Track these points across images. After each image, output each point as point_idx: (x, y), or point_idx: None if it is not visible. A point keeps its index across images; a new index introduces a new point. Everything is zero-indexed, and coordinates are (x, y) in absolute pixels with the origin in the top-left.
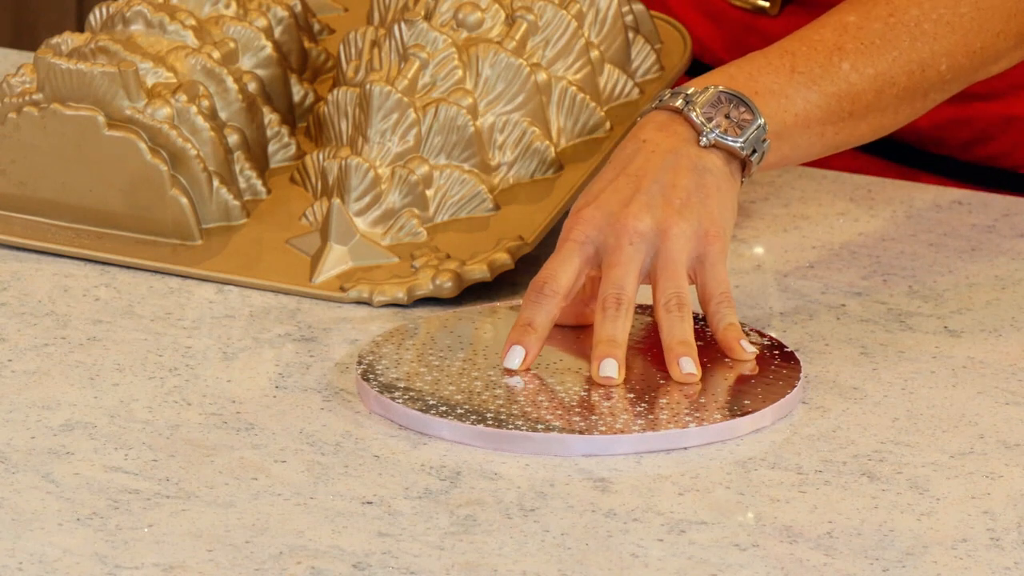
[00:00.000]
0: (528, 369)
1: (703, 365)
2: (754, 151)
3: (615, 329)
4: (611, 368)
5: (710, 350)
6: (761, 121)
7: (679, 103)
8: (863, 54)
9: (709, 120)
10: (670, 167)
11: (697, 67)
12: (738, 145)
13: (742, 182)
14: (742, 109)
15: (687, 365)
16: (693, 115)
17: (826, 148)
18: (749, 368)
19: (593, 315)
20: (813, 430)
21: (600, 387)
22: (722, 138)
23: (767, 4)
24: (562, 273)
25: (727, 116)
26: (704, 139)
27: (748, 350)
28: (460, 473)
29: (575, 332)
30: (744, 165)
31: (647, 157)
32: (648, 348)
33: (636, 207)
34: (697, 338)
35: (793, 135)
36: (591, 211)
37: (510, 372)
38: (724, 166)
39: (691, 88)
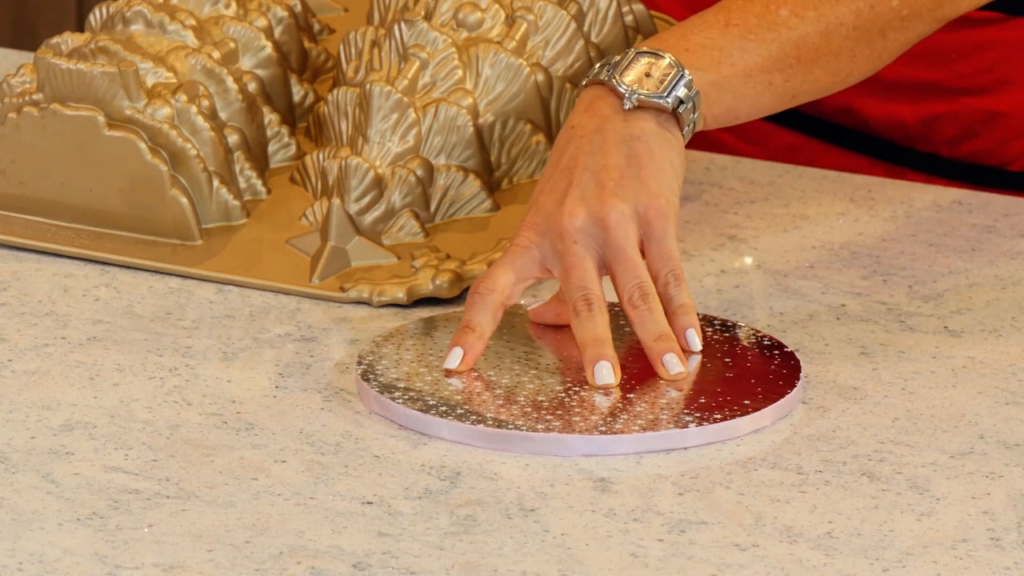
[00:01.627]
0: (472, 370)
1: (702, 364)
2: (681, 103)
3: (595, 328)
4: (606, 372)
5: (708, 349)
6: (684, 72)
7: (603, 75)
8: None
9: (630, 83)
10: (598, 147)
11: None
12: (662, 101)
13: (683, 135)
14: (664, 66)
15: (672, 365)
16: (614, 82)
17: (780, 97)
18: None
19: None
20: (813, 430)
21: (599, 387)
22: (645, 96)
23: None
24: (500, 272)
25: (647, 75)
26: (627, 102)
27: (692, 343)
28: (460, 473)
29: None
30: (678, 120)
31: (576, 143)
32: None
33: (570, 203)
34: None
35: (734, 85)
36: (532, 215)
37: (450, 373)
38: (655, 127)
39: (615, 57)
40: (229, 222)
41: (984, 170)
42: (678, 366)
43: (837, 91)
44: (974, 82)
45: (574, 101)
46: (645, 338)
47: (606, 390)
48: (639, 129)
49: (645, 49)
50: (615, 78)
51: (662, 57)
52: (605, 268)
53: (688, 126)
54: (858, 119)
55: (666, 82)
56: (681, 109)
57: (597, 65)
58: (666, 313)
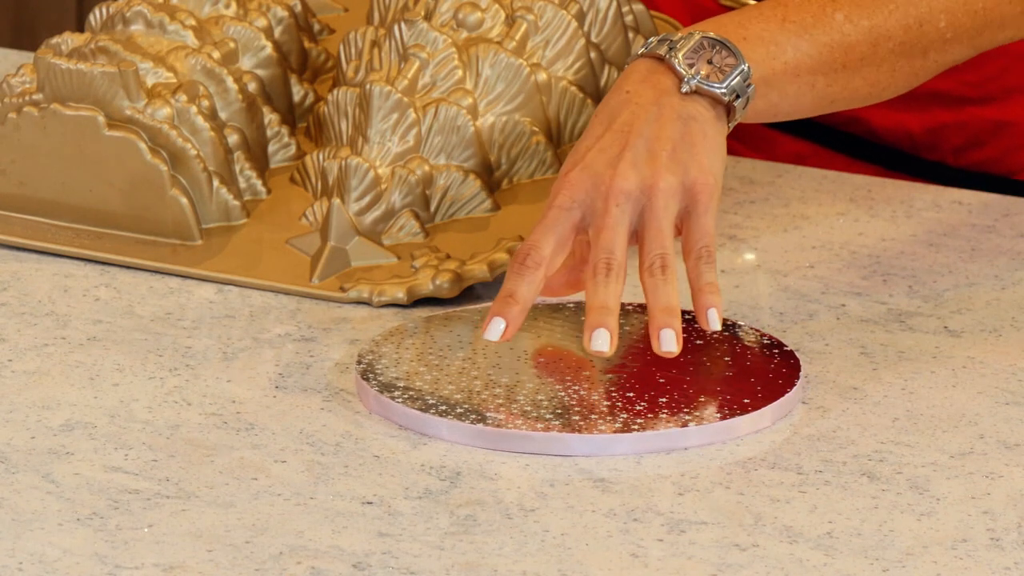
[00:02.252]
0: (472, 369)
1: (701, 364)
2: (737, 96)
3: (607, 295)
4: (603, 341)
5: (708, 349)
6: (744, 66)
7: (663, 51)
8: (858, 6)
9: (691, 66)
10: (654, 118)
11: None
12: (720, 91)
13: (729, 127)
14: (724, 54)
15: (667, 340)
16: (675, 62)
17: (819, 100)
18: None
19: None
20: (813, 430)
21: (600, 387)
22: (704, 84)
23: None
24: (545, 243)
25: (709, 62)
26: (686, 86)
27: (712, 322)
28: (460, 473)
29: (574, 331)
30: (729, 111)
31: (632, 110)
32: (648, 348)
33: (623, 166)
34: (697, 337)
35: (782, 83)
36: (577, 173)
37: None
38: (709, 112)
39: (677, 35)
40: (229, 222)
41: (991, 179)
42: (672, 344)
43: (870, 104)
44: (981, 91)
45: (573, 97)
46: (653, 306)
47: (607, 388)
48: (696, 111)
49: (708, 34)
50: (676, 58)
51: (724, 45)
52: (636, 236)
53: (734, 121)
54: (865, 127)
55: (726, 72)
56: (736, 102)
57: (654, 39)
58: (692, 290)
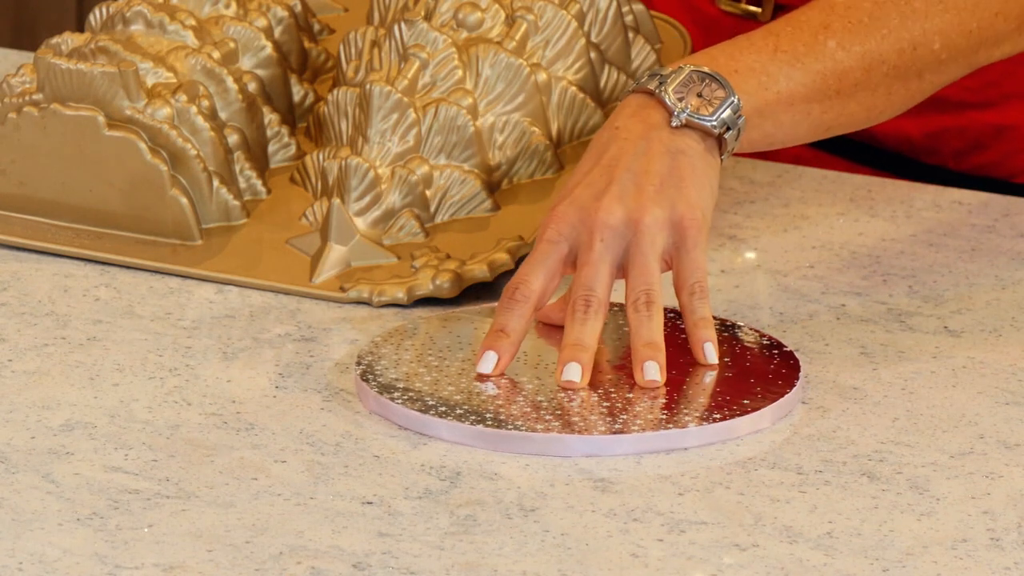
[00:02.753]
0: (502, 375)
1: (702, 364)
2: (728, 128)
3: (583, 333)
4: (574, 372)
5: None
6: (734, 98)
7: (653, 85)
8: (850, 32)
9: (680, 100)
10: (642, 153)
11: None
12: (710, 123)
13: (721, 160)
14: (714, 87)
15: (650, 371)
16: (665, 96)
17: (815, 128)
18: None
19: None
20: (813, 430)
21: (600, 387)
22: (694, 117)
23: (759, 10)
24: (534, 277)
25: (699, 95)
26: (675, 119)
27: (709, 357)
28: (460, 473)
29: None
30: (720, 143)
31: (620, 145)
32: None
33: (608, 200)
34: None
35: (776, 112)
36: (564, 207)
37: (482, 378)
38: (699, 145)
39: (667, 69)
40: (229, 222)
41: (990, 182)
42: (655, 374)
43: (868, 126)
44: (981, 96)
45: (574, 97)
46: (635, 342)
47: (606, 389)
48: (685, 144)
49: (697, 67)
50: (666, 92)
51: (714, 78)
52: (622, 271)
53: (727, 153)
54: (865, 132)
55: (715, 104)
56: (727, 135)
57: (646, 74)
58: (687, 325)
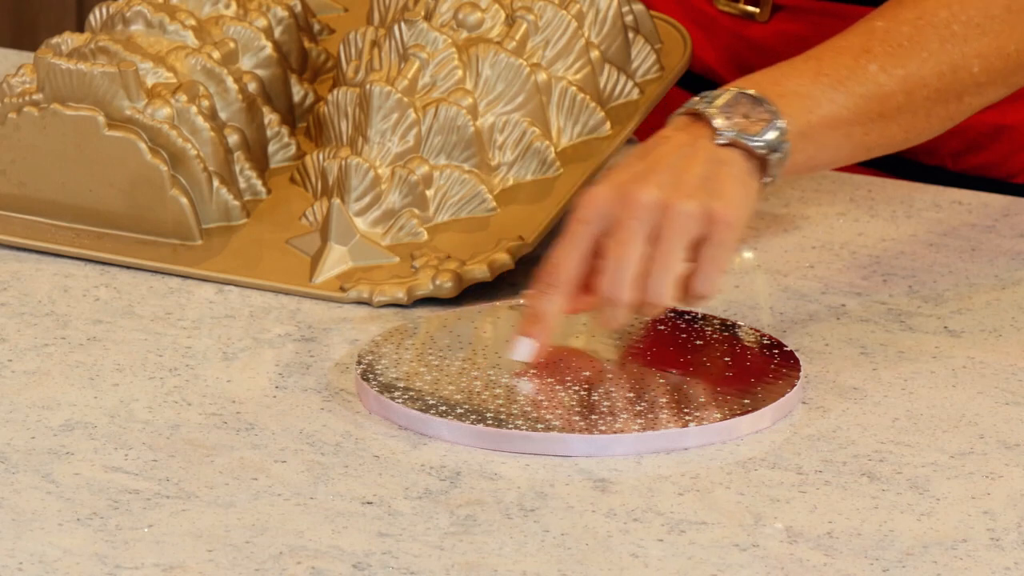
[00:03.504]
0: (531, 365)
1: (701, 364)
2: (773, 151)
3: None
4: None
5: (709, 349)
6: (781, 122)
7: (700, 106)
8: (891, 56)
9: (727, 119)
10: (686, 156)
11: (689, 76)
12: (755, 144)
13: (764, 183)
14: (760, 109)
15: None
16: (711, 115)
17: (856, 150)
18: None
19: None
20: (813, 430)
21: (600, 387)
22: (740, 137)
23: (757, 10)
24: (568, 262)
25: (745, 116)
26: (721, 137)
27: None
28: (460, 473)
29: (575, 332)
30: (764, 165)
31: (666, 148)
32: (648, 348)
33: (648, 184)
34: (697, 338)
35: (819, 136)
36: (601, 189)
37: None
38: (743, 162)
39: (714, 92)
40: (229, 222)
41: (990, 182)
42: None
43: (907, 148)
44: None
45: (574, 97)
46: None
47: (607, 389)
48: (729, 158)
49: (743, 89)
50: (712, 112)
51: (760, 101)
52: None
53: (769, 177)
54: None
55: (761, 126)
56: (771, 157)
57: (695, 97)
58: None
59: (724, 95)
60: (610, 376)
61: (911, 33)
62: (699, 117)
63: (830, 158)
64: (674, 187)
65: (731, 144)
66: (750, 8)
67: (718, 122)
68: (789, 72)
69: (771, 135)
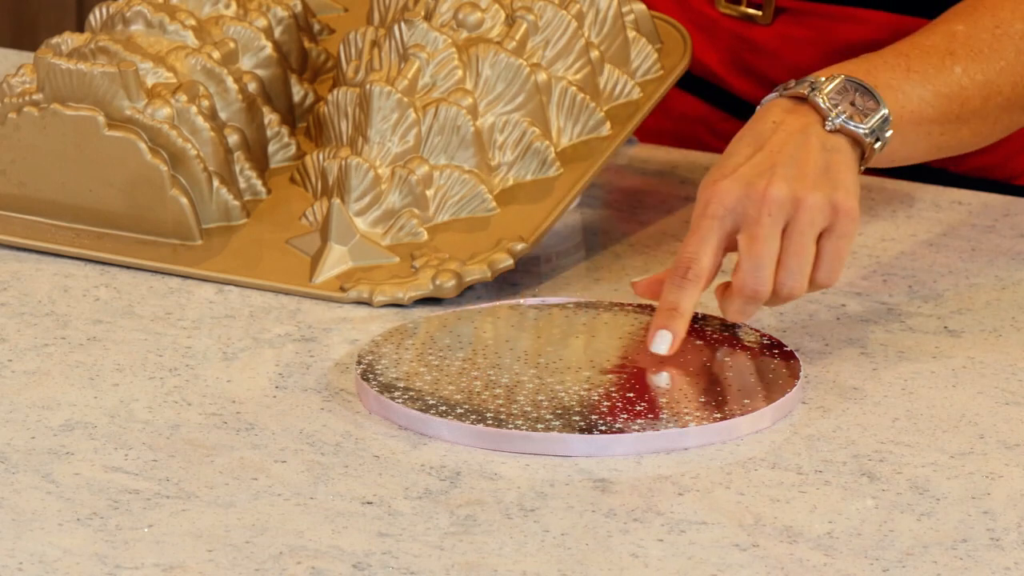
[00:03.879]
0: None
1: (701, 364)
2: (877, 140)
3: (744, 307)
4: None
5: (708, 349)
6: (885, 111)
7: (805, 90)
8: (973, 60)
9: (835, 106)
10: (802, 144)
11: (689, 77)
12: (862, 132)
13: (860, 169)
14: (867, 98)
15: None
16: (820, 100)
17: (931, 148)
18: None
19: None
20: (813, 430)
21: (600, 387)
22: (847, 123)
23: (759, 13)
24: (703, 255)
25: (852, 103)
26: (830, 123)
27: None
28: (460, 473)
29: (575, 332)
30: (865, 152)
31: (782, 137)
32: (648, 348)
33: (776, 178)
34: (698, 338)
35: (905, 130)
36: (728, 183)
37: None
38: (851, 151)
39: (818, 76)
40: (229, 222)
41: (990, 184)
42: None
43: (967, 152)
44: None
45: (574, 97)
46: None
47: (606, 389)
48: (839, 145)
49: (851, 77)
50: (821, 97)
51: (867, 90)
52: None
53: (865, 164)
54: None
55: (868, 114)
56: (876, 145)
57: (793, 81)
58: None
59: (832, 82)
60: (610, 376)
61: (991, 41)
62: (803, 101)
63: (908, 153)
64: (799, 180)
65: (838, 131)
66: (752, 11)
67: (827, 108)
68: (880, 65)
69: (876, 123)
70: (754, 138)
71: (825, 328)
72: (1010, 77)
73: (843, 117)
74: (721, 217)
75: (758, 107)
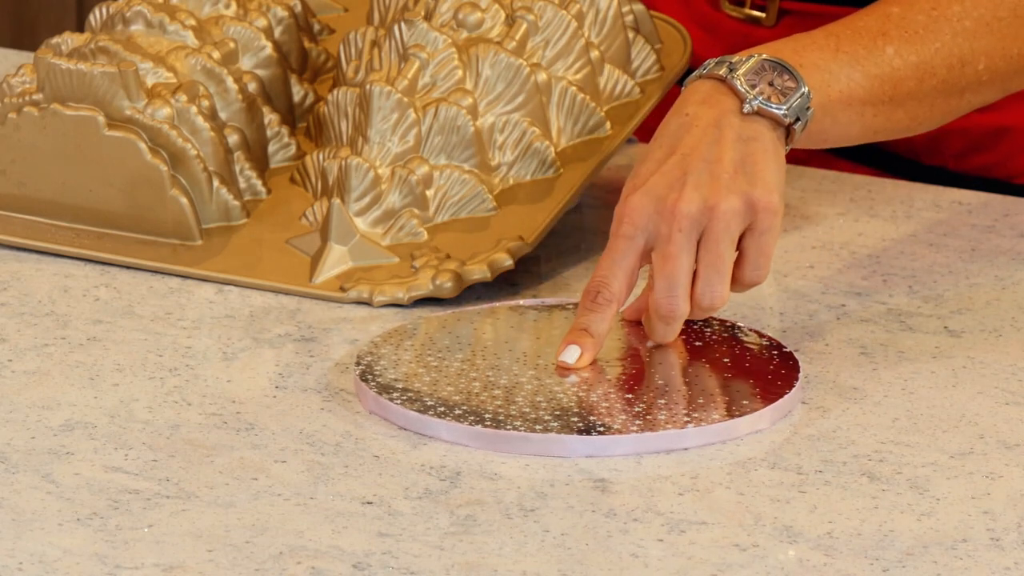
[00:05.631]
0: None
1: (701, 364)
2: (797, 119)
3: (666, 333)
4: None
5: (708, 349)
6: (805, 89)
7: (723, 71)
8: (906, 41)
9: (753, 87)
10: (715, 141)
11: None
12: (781, 112)
13: (786, 150)
14: (786, 77)
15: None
16: (737, 83)
17: (865, 130)
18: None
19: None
20: (813, 430)
21: (599, 388)
22: (765, 105)
23: (763, 15)
24: (614, 278)
25: (771, 83)
26: (747, 106)
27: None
28: (460, 473)
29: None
30: (788, 133)
31: (693, 134)
32: (648, 348)
33: (687, 190)
34: (697, 339)
35: (835, 110)
36: (639, 198)
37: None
38: (770, 133)
39: (736, 57)
40: (229, 222)
41: (990, 183)
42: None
43: (905, 136)
44: None
45: (574, 97)
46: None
47: (606, 389)
48: (756, 131)
49: (768, 56)
50: (737, 78)
51: (785, 68)
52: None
53: (790, 144)
54: None
55: (788, 94)
56: (796, 124)
57: (712, 61)
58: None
59: (748, 61)
60: (610, 376)
61: (926, 23)
62: (722, 83)
63: (840, 135)
64: (711, 186)
65: (756, 112)
66: (756, 12)
67: (744, 90)
68: (809, 45)
69: (796, 103)
70: (668, 139)
71: (825, 328)
72: (946, 59)
73: (761, 99)
74: (632, 237)
75: (682, 87)
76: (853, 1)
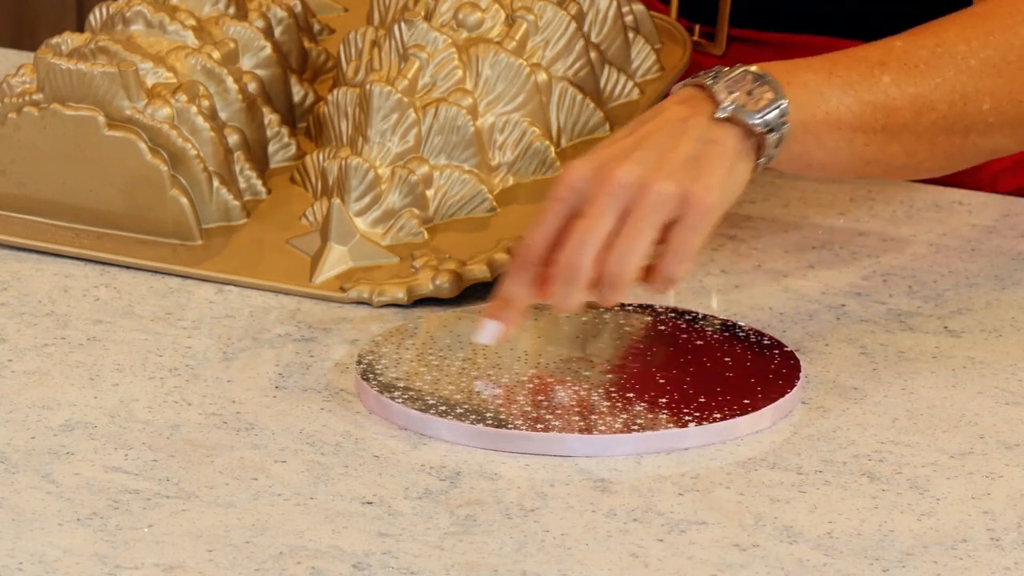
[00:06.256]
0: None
1: (701, 364)
2: (771, 131)
3: (565, 295)
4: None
5: (708, 350)
6: (783, 102)
7: (707, 80)
8: (906, 73)
9: (730, 94)
10: (676, 134)
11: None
12: (752, 121)
13: (757, 165)
14: (765, 88)
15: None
16: (715, 89)
17: (855, 159)
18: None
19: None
20: (813, 430)
21: (600, 387)
22: (738, 111)
23: (711, 43)
24: (539, 240)
25: (748, 93)
26: (721, 111)
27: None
28: (460, 473)
29: (575, 332)
30: (760, 145)
31: (658, 124)
32: (648, 348)
33: (628, 163)
34: (698, 338)
35: (820, 132)
36: (580, 163)
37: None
38: (736, 143)
39: (728, 68)
40: (229, 222)
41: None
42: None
43: (906, 178)
44: None
45: (574, 97)
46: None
47: (606, 389)
48: (721, 136)
49: (755, 69)
50: (716, 85)
51: (766, 80)
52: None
53: (764, 158)
54: None
55: (762, 105)
56: (769, 136)
57: (705, 71)
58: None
59: (734, 71)
60: (610, 376)
61: (928, 58)
62: (703, 89)
63: (827, 159)
64: (655, 166)
65: (729, 119)
66: (703, 41)
67: (720, 95)
68: (803, 67)
69: (771, 114)
70: (634, 124)
71: (825, 328)
72: (947, 95)
73: (735, 106)
74: (565, 199)
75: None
76: (805, 28)
